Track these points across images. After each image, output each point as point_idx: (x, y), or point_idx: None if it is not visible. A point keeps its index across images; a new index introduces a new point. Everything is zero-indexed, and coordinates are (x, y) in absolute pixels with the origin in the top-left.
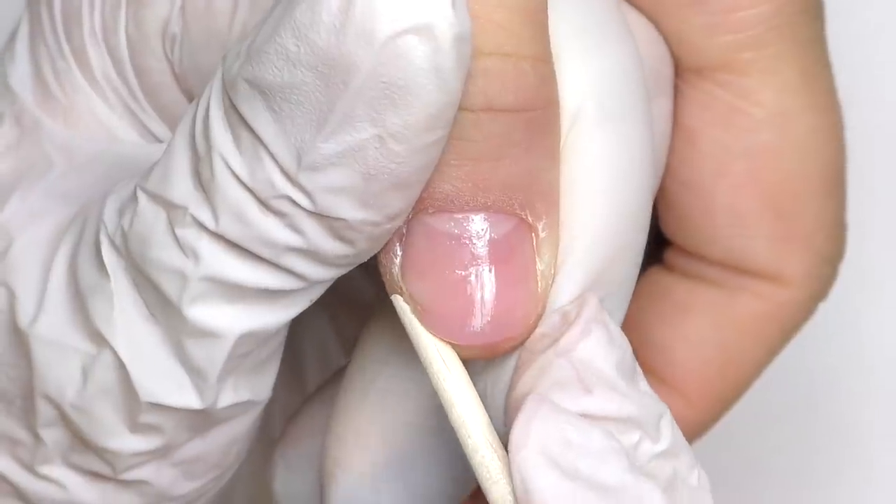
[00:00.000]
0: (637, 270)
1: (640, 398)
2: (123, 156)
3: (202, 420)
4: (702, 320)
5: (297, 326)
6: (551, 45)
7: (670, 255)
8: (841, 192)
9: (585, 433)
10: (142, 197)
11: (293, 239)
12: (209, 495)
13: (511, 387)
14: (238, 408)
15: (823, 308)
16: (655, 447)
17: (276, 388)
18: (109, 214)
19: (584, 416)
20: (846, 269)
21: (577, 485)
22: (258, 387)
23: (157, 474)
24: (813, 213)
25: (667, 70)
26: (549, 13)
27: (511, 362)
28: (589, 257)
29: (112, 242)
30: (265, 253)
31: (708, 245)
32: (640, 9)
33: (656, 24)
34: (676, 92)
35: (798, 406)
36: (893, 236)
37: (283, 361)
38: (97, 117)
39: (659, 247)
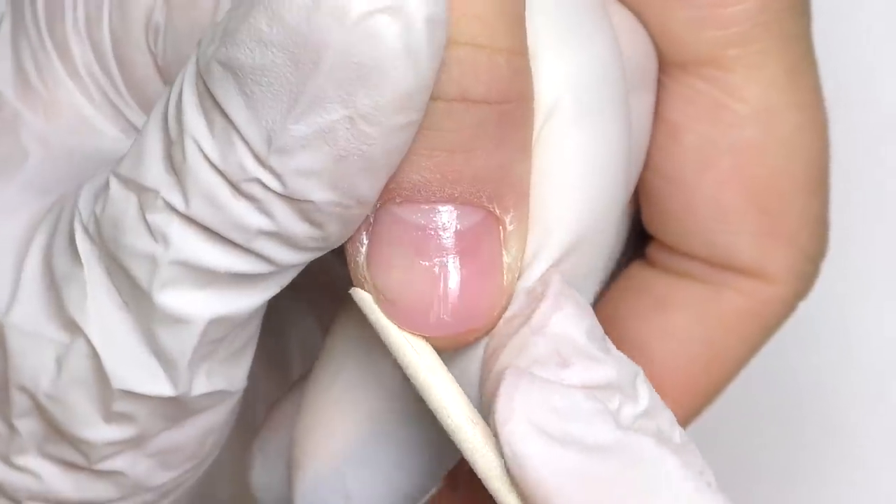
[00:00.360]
0: (611, 264)
1: (615, 362)
2: (103, 149)
3: (177, 409)
4: (683, 316)
5: (282, 321)
6: (529, 37)
7: (652, 251)
8: (825, 189)
9: (570, 397)
10: (114, 181)
11: (264, 223)
12: (186, 486)
13: (485, 371)
14: (213, 397)
15: (811, 307)
16: (637, 408)
17: (260, 383)
18: (84, 202)
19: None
20: (834, 269)
21: (569, 449)
22: (233, 376)
23: (133, 464)
24: (797, 210)
25: (650, 65)
26: (527, 6)
27: (478, 352)
28: (561, 251)
29: (86, 230)
30: (236, 237)
31: (690, 241)
32: (625, 3)
33: (641, 19)
34: (660, 87)
35: (784, 405)
36: (879, 236)
37: (269, 356)
38: (78, 111)
39: (641, 242)
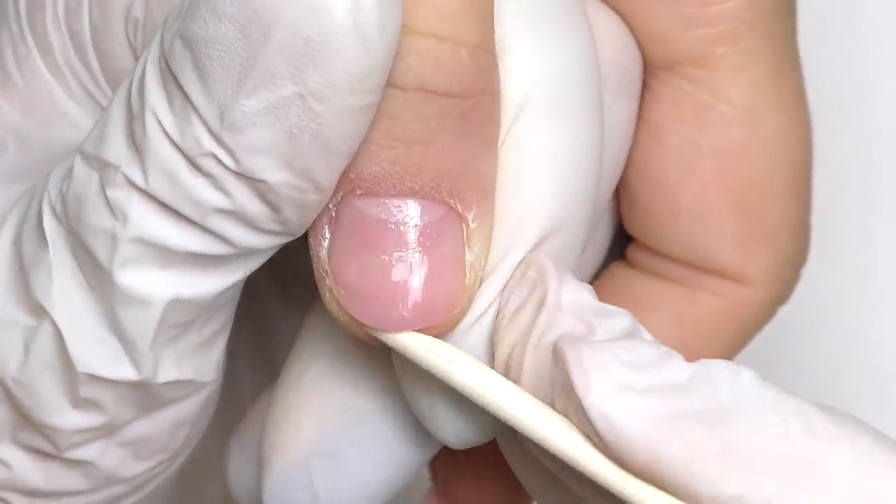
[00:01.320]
0: (577, 263)
1: (622, 311)
2: (79, 142)
3: (144, 396)
4: (662, 317)
5: (271, 320)
6: (503, 30)
7: (632, 251)
8: (807, 192)
9: (633, 349)
10: (78, 158)
11: (220, 200)
12: (159, 480)
13: (514, 366)
14: (182, 386)
15: (812, 307)
16: (660, 349)
17: (248, 383)
18: (53, 182)
19: None
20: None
21: (653, 396)
22: (201, 366)
23: (103, 454)
24: (778, 212)
25: (635, 68)
26: (503, 1)
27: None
28: (531, 247)
29: (53, 210)
30: (193, 214)
31: (671, 242)
32: (611, 4)
33: (628, 20)
34: (645, 89)
35: None
36: (879, 235)
37: (257, 355)
38: (55, 103)
39: (620, 243)
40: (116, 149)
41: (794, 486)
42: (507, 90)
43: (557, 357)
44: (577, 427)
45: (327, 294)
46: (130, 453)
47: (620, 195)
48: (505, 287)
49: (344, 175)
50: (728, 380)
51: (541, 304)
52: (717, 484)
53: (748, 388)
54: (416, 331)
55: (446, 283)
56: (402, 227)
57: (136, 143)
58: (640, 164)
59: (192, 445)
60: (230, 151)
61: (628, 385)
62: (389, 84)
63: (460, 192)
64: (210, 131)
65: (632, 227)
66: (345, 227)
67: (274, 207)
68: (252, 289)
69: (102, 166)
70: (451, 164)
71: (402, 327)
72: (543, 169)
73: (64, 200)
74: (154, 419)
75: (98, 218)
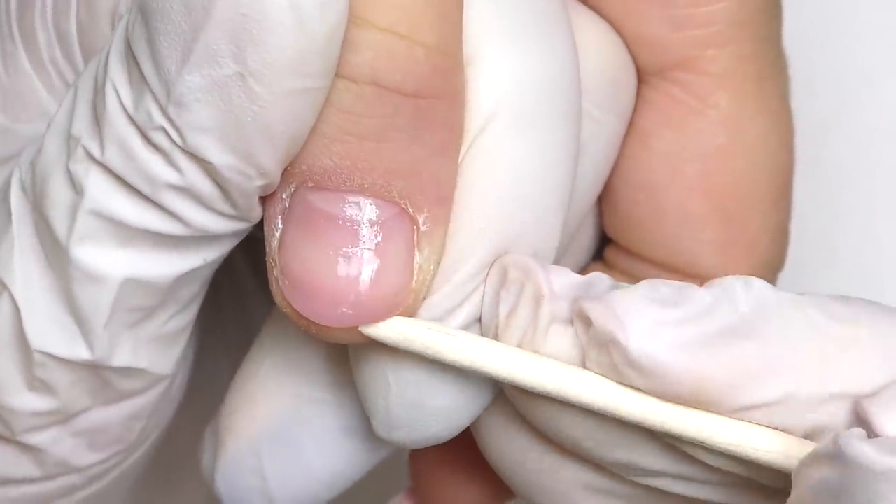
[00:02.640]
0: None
1: (599, 274)
2: None
3: (99, 384)
4: None
5: (254, 322)
6: (475, 38)
7: (611, 255)
8: (787, 197)
9: (654, 288)
10: (47, 133)
11: (172, 176)
12: (114, 474)
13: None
14: (136, 376)
15: None
16: (673, 283)
17: (230, 382)
18: (24, 158)
19: None
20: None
21: (689, 326)
22: (159, 358)
23: (56, 441)
24: (759, 218)
25: (626, 79)
26: (482, 7)
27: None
28: (491, 255)
29: (22, 185)
30: (146, 188)
31: (654, 247)
32: (602, 12)
33: (619, 26)
34: (636, 95)
35: None
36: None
37: (239, 354)
38: (38, 101)
39: (600, 245)
40: (80, 122)
41: (836, 368)
42: (476, 98)
43: (585, 316)
44: (616, 378)
45: (274, 285)
46: (84, 443)
47: (602, 198)
48: (482, 302)
49: (297, 166)
50: (744, 292)
51: (537, 298)
52: (763, 391)
53: (764, 295)
54: (355, 329)
55: (391, 284)
56: (350, 224)
57: (98, 117)
58: (624, 168)
59: (151, 440)
60: (177, 127)
61: (661, 320)
62: (344, 76)
63: (412, 194)
64: (160, 105)
65: (612, 230)
66: (295, 219)
67: (223, 189)
68: (237, 288)
69: (68, 139)
70: (402, 164)
71: (341, 324)
72: (509, 181)
73: (32, 174)
74: (109, 409)
75: (59, 191)
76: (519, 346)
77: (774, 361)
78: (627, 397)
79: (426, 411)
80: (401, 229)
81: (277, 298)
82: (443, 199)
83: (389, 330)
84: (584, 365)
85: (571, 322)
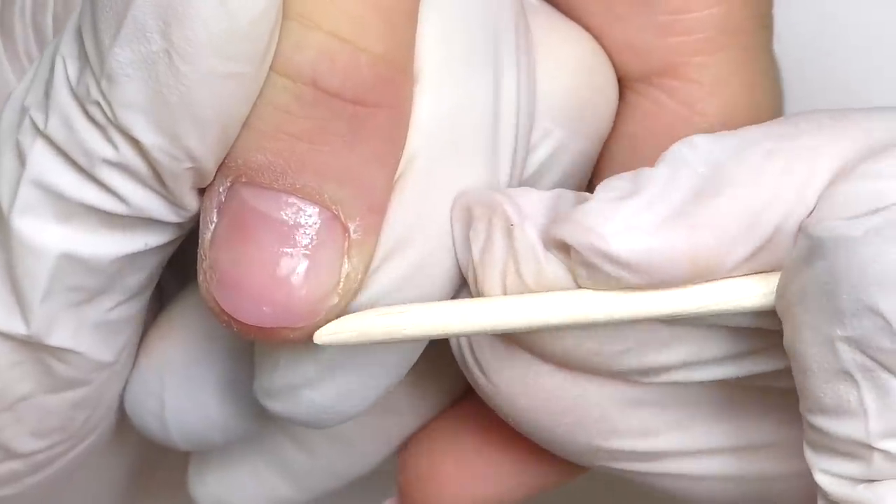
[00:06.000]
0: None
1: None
2: None
3: (40, 368)
4: None
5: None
6: (419, 60)
7: None
8: None
9: (607, 188)
10: (6, 106)
11: (108, 151)
12: (61, 462)
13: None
14: (74, 359)
15: None
16: (620, 176)
17: None
18: None
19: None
20: None
21: (659, 208)
22: (99, 346)
23: None
24: None
25: (599, 100)
26: (432, 26)
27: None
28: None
29: None
30: (84, 162)
31: None
32: (587, 19)
33: (603, 35)
34: (622, 101)
35: None
36: None
37: None
38: (10, 91)
39: None
40: (33, 95)
41: (809, 182)
42: (416, 117)
43: (562, 242)
44: (616, 287)
45: (201, 277)
46: (26, 430)
47: None
48: (453, 242)
49: (232, 160)
50: (693, 153)
51: (507, 228)
52: (755, 233)
53: (708, 147)
54: (270, 328)
55: (316, 288)
56: (281, 226)
57: (47, 89)
58: (611, 174)
59: (99, 431)
60: (108, 102)
61: (632, 212)
62: (283, 74)
63: (343, 201)
64: (95, 79)
65: None
66: (228, 214)
67: (155, 168)
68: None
69: (21, 111)
70: (336, 168)
71: (261, 323)
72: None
73: None
74: (51, 397)
75: (8, 163)
76: (502, 280)
77: (752, 202)
78: (630, 301)
79: (302, 400)
80: (332, 235)
81: (202, 291)
82: (375, 208)
83: (347, 330)
84: (577, 284)
85: (550, 244)
